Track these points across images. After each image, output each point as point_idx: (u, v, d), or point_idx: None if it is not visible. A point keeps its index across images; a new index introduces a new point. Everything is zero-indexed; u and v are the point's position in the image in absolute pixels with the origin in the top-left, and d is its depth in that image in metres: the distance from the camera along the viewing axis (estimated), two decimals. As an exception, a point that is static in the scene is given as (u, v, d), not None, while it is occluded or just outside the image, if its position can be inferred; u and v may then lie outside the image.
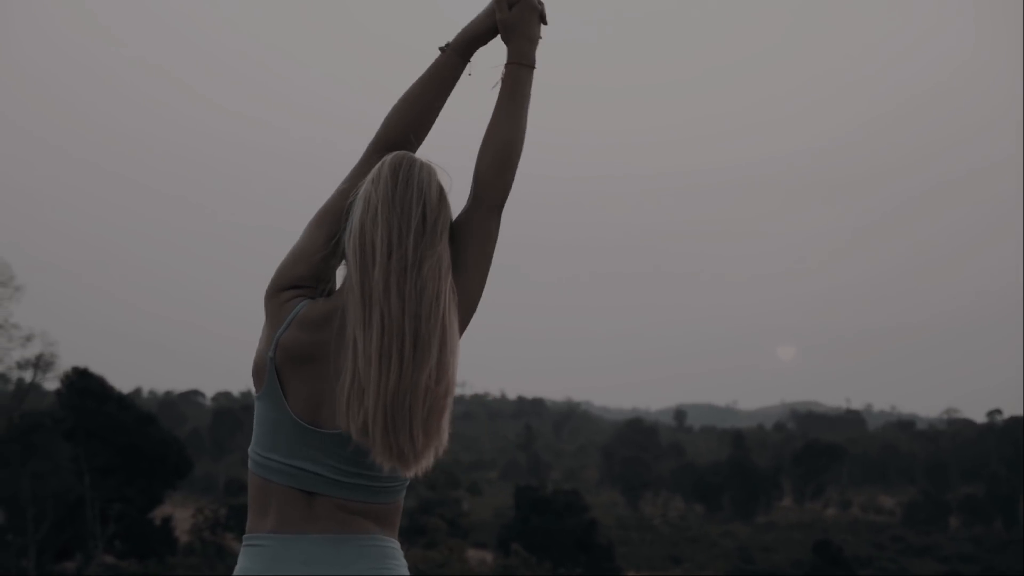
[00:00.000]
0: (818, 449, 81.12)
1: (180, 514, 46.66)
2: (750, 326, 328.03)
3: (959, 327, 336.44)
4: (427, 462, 2.04)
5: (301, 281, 2.16)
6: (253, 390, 2.19)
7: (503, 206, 2.25)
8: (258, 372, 2.14)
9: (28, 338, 37.03)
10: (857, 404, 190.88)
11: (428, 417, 2.00)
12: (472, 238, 2.20)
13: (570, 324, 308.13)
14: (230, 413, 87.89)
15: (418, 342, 2.00)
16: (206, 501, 48.61)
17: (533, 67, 2.30)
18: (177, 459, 39.03)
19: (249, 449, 2.20)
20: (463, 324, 2.17)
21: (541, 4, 2.34)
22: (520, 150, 2.27)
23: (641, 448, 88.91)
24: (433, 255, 2.04)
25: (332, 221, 2.17)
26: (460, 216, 2.21)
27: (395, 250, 2.03)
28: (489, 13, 2.33)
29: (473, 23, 2.35)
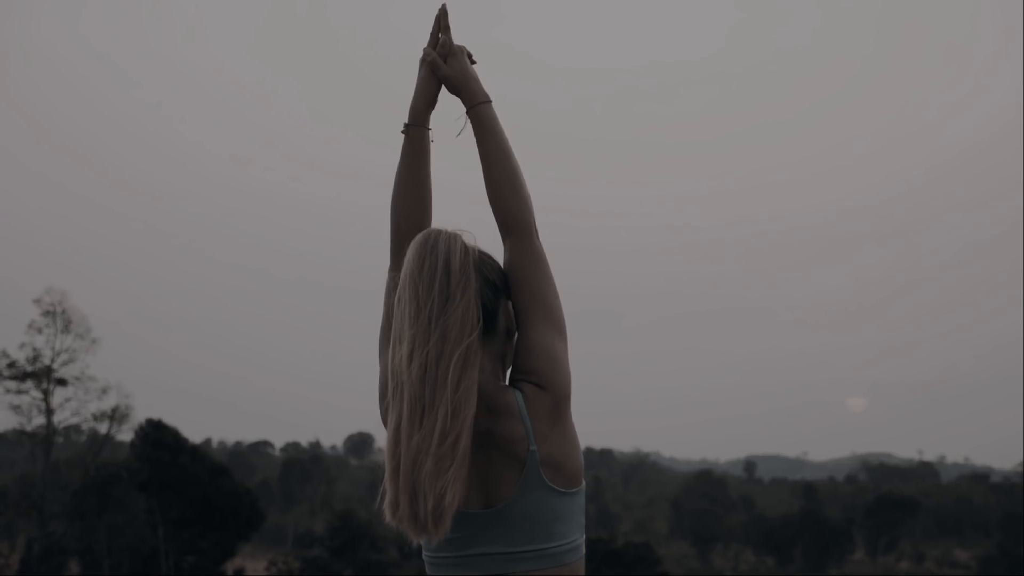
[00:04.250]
0: (891, 501, 79.93)
1: (251, 566, 46.84)
2: (820, 377, 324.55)
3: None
4: (444, 527, 2.04)
5: None
6: None
7: (534, 227, 2.31)
8: None
9: (104, 390, 37.51)
10: (930, 456, 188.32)
11: (434, 481, 2.02)
12: (525, 264, 2.26)
13: (638, 374, 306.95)
14: (299, 464, 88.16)
15: (428, 409, 2.03)
16: (277, 553, 48.76)
17: (490, 101, 2.40)
18: (249, 511, 39.18)
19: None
20: (558, 336, 2.23)
21: (464, 47, 2.47)
22: (520, 173, 2.34)
23: (711, 500, 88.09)
24: (456, 314, 2.06)
25: (387, 338, 2.25)
26: (505, 257, 2.29)
27: (419, 319, 2.06)
28: (427, 78, 2.46)
29: (419, 92, 2.47)
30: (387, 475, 2.08)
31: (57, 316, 36.73)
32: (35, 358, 36.30)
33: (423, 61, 2.48)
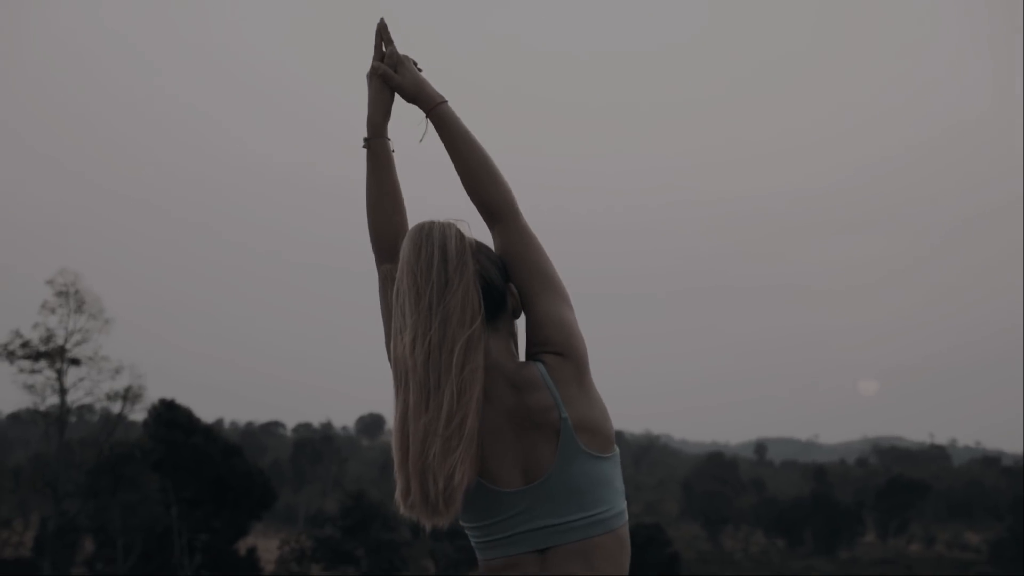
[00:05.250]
0: (902, 484, 79.84)
1: (264, 544, 47.02)
2: (831, 359, 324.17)
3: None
4: (455, 508, 2.10)
5: None
6: None
7: (518, 210, 2.34)
8: None
9: (117, 370, 37.57)
10: (941, 439, 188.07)
11: (443, 461, 2.06)
12: (518, 244, 2.30)
13: (648, 357, 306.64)
14: (310, 444, 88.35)
15: (433, 392, 2.08)
16: (289, 532, 48.96)
17: (447, 101, 2.44)
18: (262, 491, 39.33)
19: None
20: (564, 303, 2.27)
21: (409, 56, 2.53)
22: (494, 161, 2.37)
23: (722, 482, 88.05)
24: (455, 298, 2.12)
25: (390, 332, 2.29)
26: (496, 244, 2.34)
27: (419, 306, 2.12)
28: (380, 90, 2.52)
29: (375, 105, 2.53)
30: (396, 465, 2.13)
31: (70, 296, 36.76)
32: (48, 338, 36.34)
33: (373, 74, 2.54)
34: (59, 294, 36.73)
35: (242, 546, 40.26)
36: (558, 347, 2.22)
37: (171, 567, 36.38)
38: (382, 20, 2.57)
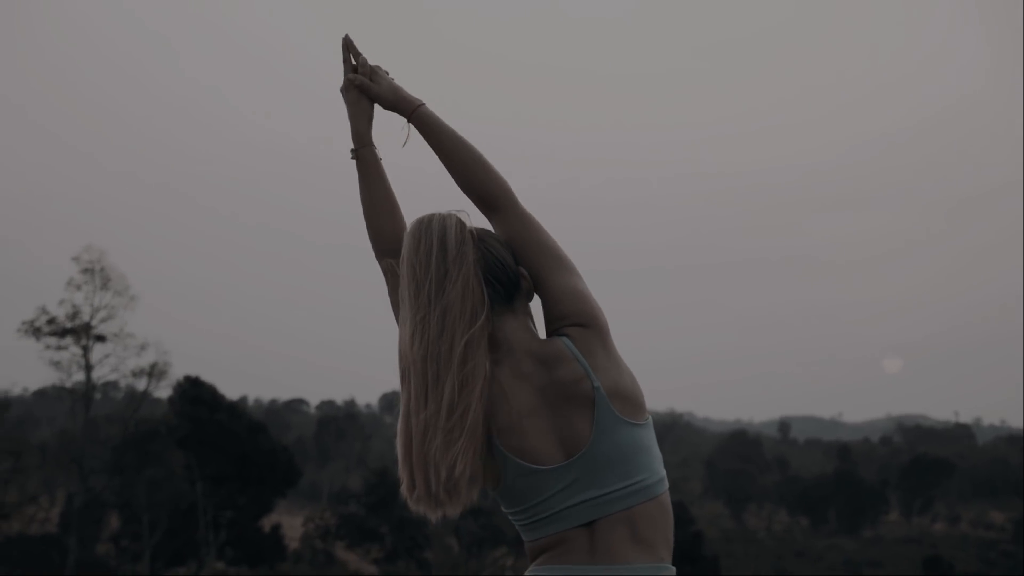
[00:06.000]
0: (926, 463, 79.62)
1: (287, 522, 47.24)
2: (856, 337, 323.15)
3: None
4: (458, 499, 2.12)
5: None
6: None
7: (514, 196, 2.36)
8: None
9: (142, 347, 37.76)
10: (966, 418, 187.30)
11: (444, 453, 2.08)
12: (522, 228, 2.32)
13: (671, 334, 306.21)
14: (334, 422, 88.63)
15: (434, 384, 2.10)
16: (312, 509, 49.13)
17: (424, 103, 2.46)
18: (286, 468, 39.47)
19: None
20: (575, 276, 2.28)
21: (379, 66, 2.57)
22: (482, 153, 2.38)
23: (745, 460, 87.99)
24: (455, 289, 2.14)
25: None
26: (499, 233, 2.34)
27: (418, 299, 2.14)
28: (358, 100, 2.56)
29: (357, 116, 2.57)
30: (400, 460, 2.14)
31: (96, 273, 36.92)
32: (74, 315, 36.50)
33: (349, 86, 2.58)
34: (85, 271, 36.93)
35: (266, 523, 40.45)
36: (579, 318, 2.23)
37: (196, 543, 36.62)
38: (347, 36, 2.61)
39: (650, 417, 2.24)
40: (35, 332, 36.09)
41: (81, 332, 36.45)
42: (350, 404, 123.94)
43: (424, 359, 2.11)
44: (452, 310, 2.12)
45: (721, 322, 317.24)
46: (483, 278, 2.20)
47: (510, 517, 2.26)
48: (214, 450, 37.09)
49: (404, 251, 2.20)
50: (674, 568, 2.17)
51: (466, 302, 2.14)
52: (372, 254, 2.54)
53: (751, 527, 75.95)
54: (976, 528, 78.15)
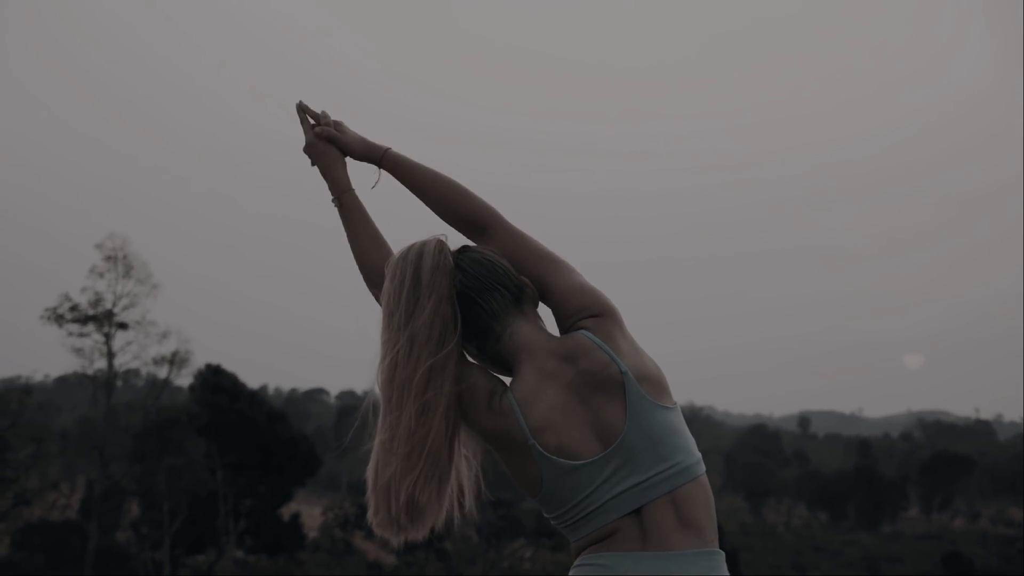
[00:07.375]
0: (946, 459, 79.29)
1: (307, 511, 47.36)
2: (876, 333, 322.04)
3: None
4: (420, 524, 2.18)
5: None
6: None
7: (498, 213, 2.40)
8: None
9: (164, 335, 37.89)
10: (987, 414, 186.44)
11: (402, 479, 2.14)
12: (513, 242, 2.35)
13: (692, 327, 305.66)
14: (354, 411, 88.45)
15: (395, 409, 2.18)
16: (332, 499, 49.24)
17: (390, 147, 2.54)
18: (306, 457, 39.48)
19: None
20: (575, 273, 2.32)
21: (339, 122, 2.65)
22: (457, 182, 2.43)
23: (765, 454, 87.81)
24: (423, 317, 2.18)
25: None
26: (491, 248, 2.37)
27: (389, 327, 2.21)
28: (325, 152, 2.62)
29: (331, 164, 2.62)
30: (368, 485, 2.21)
31: (118, 261, 37.03)
32: (97, 302, 36.61)
33: (318, 140, 2.63)
34: (107, 259, 37.04)
35: (286, 512, 40.50)
36: (591, 310, 2.26)
37: (215, 531, 36.70)
38: (300, 102, 2.66)
39: (677, 403, 2.25)
40: (58, 319, 36.24)
41: (103, 319, 36.57)
42: (370, 394, 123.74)
43: (389, 384, 2.17)
44: (419, 336, 2.16)
45: (742, 315, 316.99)
46: (475, 294, 2.25)
47: (553, 521, 2.25)
48: (234, 438, 37.11)
49: (384, 284, 2.25)
50: (722, 552, 2.16)
51: (434, 328, 2.17)
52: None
53: (770, 521, 75.87)
54: (996, 525, 77.84)
